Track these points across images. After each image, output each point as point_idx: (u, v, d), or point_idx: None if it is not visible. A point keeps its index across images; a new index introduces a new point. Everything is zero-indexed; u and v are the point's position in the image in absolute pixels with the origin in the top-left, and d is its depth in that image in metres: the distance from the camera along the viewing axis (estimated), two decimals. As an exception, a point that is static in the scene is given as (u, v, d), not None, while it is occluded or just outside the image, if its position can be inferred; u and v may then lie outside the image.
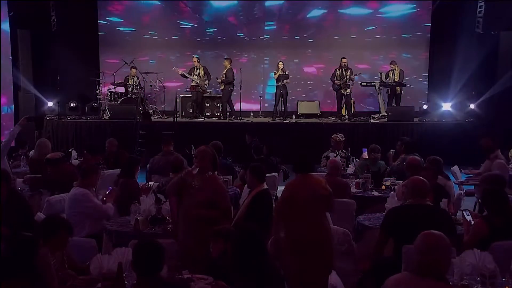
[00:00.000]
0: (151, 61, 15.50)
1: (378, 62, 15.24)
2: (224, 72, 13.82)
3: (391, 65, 14.08)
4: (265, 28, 15.67)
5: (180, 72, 13.94)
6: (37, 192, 6.82)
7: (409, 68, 14.80)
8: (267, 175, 7.81)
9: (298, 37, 15.63)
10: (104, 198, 5.77)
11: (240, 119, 13.69)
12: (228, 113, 14.01)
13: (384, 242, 4.58)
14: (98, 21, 15.52)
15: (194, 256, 4.52)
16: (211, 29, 15.70)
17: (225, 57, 14.16)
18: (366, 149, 8.36)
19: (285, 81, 13.73)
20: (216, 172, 5.16)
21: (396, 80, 13.95)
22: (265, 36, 15.65)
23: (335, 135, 9.21)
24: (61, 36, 14.20)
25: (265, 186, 5.54)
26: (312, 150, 10.53)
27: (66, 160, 7.60)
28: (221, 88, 13.92)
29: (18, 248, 3.46)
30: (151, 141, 10.72)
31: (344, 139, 9.10)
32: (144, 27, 15.67)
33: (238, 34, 15.78)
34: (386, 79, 14.12)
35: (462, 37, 14.12)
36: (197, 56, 14.11)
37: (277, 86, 13.81)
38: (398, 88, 14.07)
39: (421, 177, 4.78)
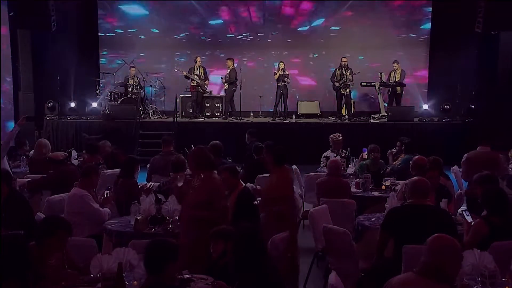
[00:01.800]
0: (149, 60, 15.52)
1: (378, 62, 15.22)
2: (228, 72, 13.82)
3: (394, 65, 14.08)
4: (266, 27, 15.67)
5: (185, 73, 13.94)
6: (37, 192, 6.82)
7: (409, 68, 14.80)
8: (267, 175, 7.84)
9: (298, 37, 15.63)
10: (103, 198, 5.76)
11: (240, 119, 13.69)
12: (228, 113, 14.02)
13: (385, 242, 4.58)
14: (98, 21, 15.53)
15: (193, 257, 4.51)
16: (211, 30, 15.72)
17: (228, 57, 14.14)
18: (366, 149, 8.36)
19: (286, 80, 13.73)
20: (215, 172, 5.12)
21: (397, 79, 13.96)
22: (265, 36, 15.65)
23: (332, 135, 9.21)
24: (61, 36, 14.20)
25: (243, 184, 5.74)
26: (312, 150, 10.65)
27: (67, 160, 7.60)
28: (225, 88, 13.90)
29: (6, 248, 3.46)
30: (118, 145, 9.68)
31: (341, 138, 9.08)
32: (145, 27, 15.67)
33: (238, 34, 15.79)
34: (387, 79, 14.13)
35: (462, 37, 14.12)
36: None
37: (278, 86, 13.81)
38: (398, 88, 14.07)
39: (423, 177, 4.77)
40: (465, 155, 7.32)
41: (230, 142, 10.08)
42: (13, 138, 8.08)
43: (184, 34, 15.75)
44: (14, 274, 3.39)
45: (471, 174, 6.54)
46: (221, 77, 14.01)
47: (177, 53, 15.79)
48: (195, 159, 4.90)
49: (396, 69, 14.05)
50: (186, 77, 13.94)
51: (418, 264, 3.03)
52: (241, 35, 15.78)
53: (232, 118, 13.92)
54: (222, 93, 14.68)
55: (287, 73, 13.84)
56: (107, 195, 5.84)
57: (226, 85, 13.88)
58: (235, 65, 14.17)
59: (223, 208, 4.86)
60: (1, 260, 3.43)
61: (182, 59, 15.45)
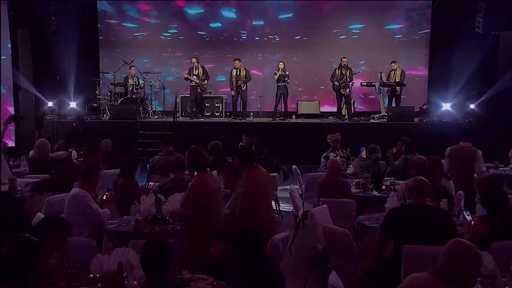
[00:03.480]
0: (145, 60, 15.52)
1: (378, 62, 15.22)
2: (244, 72, 13.80)
3: (392, 65, 14.08)
4: (266, 28, 15.68)
5: (185, 75, 13.90)
6: (38, 192, 6.82)
7: (409, 68, 14.80)
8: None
9: (298, 37, 15.65)
10: (104, 198, 5.75)
11: (240, 119, 13.70)
12: (229, 113, 14.04)
13: (384, 242, 4.58)
14: (98, 21, 15.53)
15: (188, 256, 4.51)
16: (211, 29, 15.73)
17: (236, 58, 14.10)
18: (364, 148, 8.35)
19: (286, 80, 13.73)
20: (212, 171, 5.14)
21: (397, 80, 13.96)
22: (265, 36, 15.67)
23: (330, 135, 9.21)
24: (61, 36, 14.21)
25: None
26: (312, 150, 10.64)
27: (69, 160, 7.60)
28: (243, 89, 13.86)
29: (20, 250, 3.46)
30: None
31: (336, 136, 9.06)
32: (144, 27, 15.68)
33: (238, 34, 15.79)
34: (387, 79, 14.13)
35: (462, 37, 14.12)
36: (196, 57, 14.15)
37: (278, 86, 13.81)
38: (398, 88, 14.07)
39: (423, 177, 4.77)
40: (448, 148, 7.94)
41: (230, 142, 10.08)
42: (2, 137, 8.06)
43: (184, 34, 15.75)
44: (16, 275, 3.39)
45: (452, 165, 7.60)
46: (238, 81, 13.81)
47: (178, 53, 15.79)
48: (187, 158, 5.03)
49: (395, 69, 14.05)
50: (186, 78, 13.93)
51: (435, 266, 3.04)
52: (241, 34, 15.79)
53: (232, 118, 13.93)
54: (221, 94, 14.73)
55: (287, 73, 13.84)
56: (107, 195, 5.82)
57: (243, 86, 13.84)
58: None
59: (214, 208, 4.83)
60: (7, 260, 3.43)
61: (183, 59, 15.43)
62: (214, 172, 6.15)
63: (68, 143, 9.86)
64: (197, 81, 13.83)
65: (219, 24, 15.77)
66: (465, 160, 7.59)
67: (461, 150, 7.76)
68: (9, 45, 13.30)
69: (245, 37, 15.77)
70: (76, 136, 10.84)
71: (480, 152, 7.71)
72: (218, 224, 4.69)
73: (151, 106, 14.49)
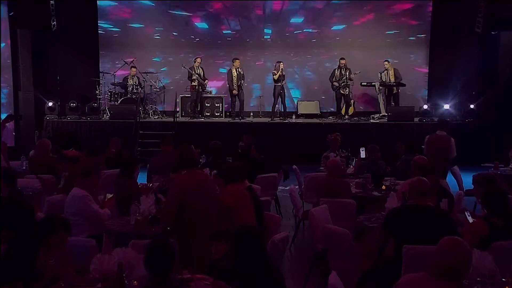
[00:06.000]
0: (153, 59, 15.53)
1: (378, 62, 15.22)
2: (242, 72, 13.85)
3: (385, 64, 14.07)
4: (265, 27, 15.68)
5: (194, 75, 13.85)
6: (37, 192, 6.82)
7: (409, 68, 14.80)
8: (267, 175, 7.85)
9: (298, 37, 15.64)
10: (105, 199, 5.75)
11: (240, 119, 13.71)
12: (229, 113, 14.03)
13: (385, 242, 4.58)
14: (98, 21, 15.53)
15: (186, 256, 4.51)
16: (210, 29, 15.73)
17: (235, 57, 14.12)
18: (363, 148, 8.35)
19: (283, 80, 13.75)
20: (213, 171, 5.12)
21: (391, 79, 13.97)
22: (265, 36, 15.67)
23: (329, 135, 9.22)
24: (61, 36, 14.21)
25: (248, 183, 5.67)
26: (312, 150, 10.66)
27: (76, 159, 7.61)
28: (241, 89, 13.90)
29: (20, 250, 3.47)
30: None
31: (334, 136, 9.07)
32: (145, 27, 15.68)
33: (237, 34, 15.79)
34: (379, 79, 14.14)
35: (462, 37, 14.13)
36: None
37: (275, 86, 13.79)
38: (394, 87, 14.08)
39: (423, 178, 4.77)
40: (427, 136, 8.89)
41: (230, 142, 10.08)
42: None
43: (185, 34, 15.75)
44: (16, 273, 3.40)
45: (429, 152, 8.39)
46: (239, 81, 13.88)
47: (178, 54, 15.77)
48: (176, 158, 5.03)
49: (388, 69, 14.04)
50: (188, 77, 13.93)
51: (430, 265, 3.05)
52: (241, 35, 15.79)
53: (233, 118, 13.93)
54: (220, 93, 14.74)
55: (284, 73, 13.83)
56: (109, 198, 5.82)
57: (245, 84, 13.90)
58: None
59: (201, 206, 4.80)
60: (6, 258, 3.43)
61: (184, 59, 15.42)
62: (215, 172, 6.15)
63: (56, 147, 9.88)
64: (200, 80, 13.85)
65: (219, 24, 15.77)
66: (441, 146, 8.63)
67: (438, 138, 8.76)
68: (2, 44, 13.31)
69: (244, 37, 15.77)
70: (58, 138, 10.83)
71: (453, 140, 8.69)
72: (214, 223, 4.67)
73: (151, 106, 14.50)
